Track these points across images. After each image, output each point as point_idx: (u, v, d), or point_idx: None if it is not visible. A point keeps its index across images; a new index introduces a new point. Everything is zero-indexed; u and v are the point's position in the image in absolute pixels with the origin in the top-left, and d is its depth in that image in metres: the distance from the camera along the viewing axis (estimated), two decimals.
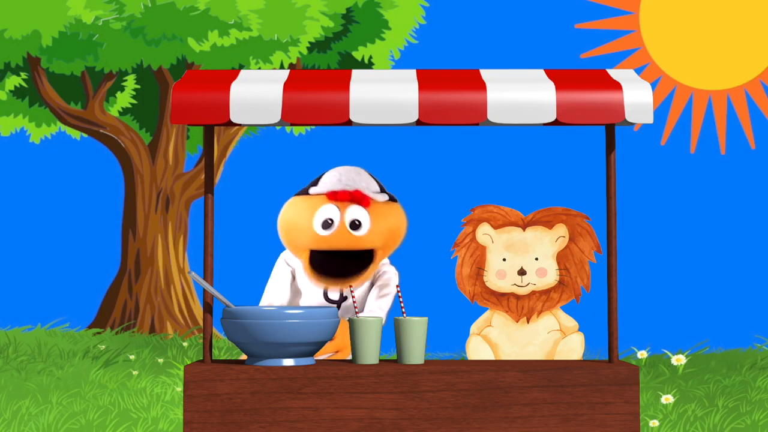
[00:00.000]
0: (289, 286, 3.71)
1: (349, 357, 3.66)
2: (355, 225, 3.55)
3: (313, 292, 3.72)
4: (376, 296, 3.71)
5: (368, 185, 3.62)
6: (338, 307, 3.72)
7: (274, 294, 3.70)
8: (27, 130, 11.62)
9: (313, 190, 3.56)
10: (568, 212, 3.51)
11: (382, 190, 3.70)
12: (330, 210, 3.53)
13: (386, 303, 3.69)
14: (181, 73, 10.86)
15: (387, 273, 3.74)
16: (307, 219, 3.53)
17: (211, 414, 3.10)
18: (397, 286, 3.61)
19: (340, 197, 3.55)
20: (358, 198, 3.56)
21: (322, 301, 3.70)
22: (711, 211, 10.64)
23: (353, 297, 3.45)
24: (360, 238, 3.57)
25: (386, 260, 3.74)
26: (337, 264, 3.56)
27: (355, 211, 3.56)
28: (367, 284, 3.73)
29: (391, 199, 3.69)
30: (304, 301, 3.72)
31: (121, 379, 7.41)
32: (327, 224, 3.52)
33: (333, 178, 3.58)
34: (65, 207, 11.28)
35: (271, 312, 3.16)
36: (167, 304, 11.00)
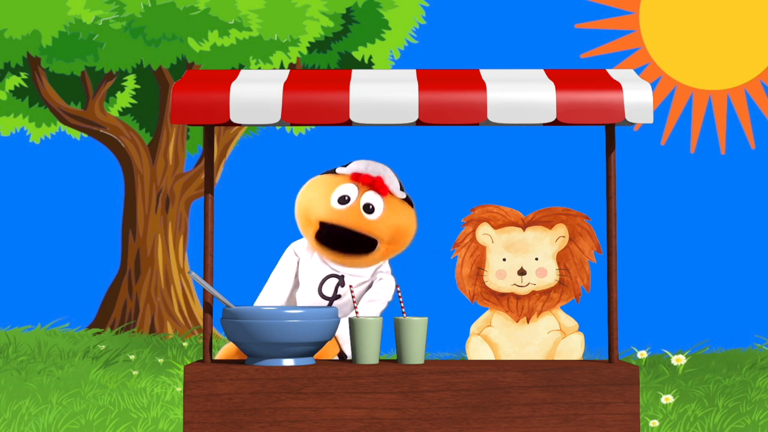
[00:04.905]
0: (293, 276, 3.75)
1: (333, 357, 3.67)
2: (369, 208, 3.62)
3: (309, 287, 3.72)
4: (367, 300, 3.73)
5: (391, 180, 3.66)
6: (330, 304, 3.73)
7: (277, 282, 3.74)
8: (27, 130, 11.62)
9: (339, 170, 3.64)
10: (568, 212, 3.51)
11: (402, 191, 3.73)
12: (349, 188, 3.64)
13: (372, 310, 3.70)
14: (181, 73, 10.85)
15: (383, 280, 3.76)
16: (325, 193, 3.65)
17: (211, 414, 3.10)
18: (397, 286, 3.61)
19: (363, 179, 3.66)
20: (378, 185, 3.65)
21: (317, 298, 3.71)
22: (711, 211, 10.63)
23: (353, 296, 3.45)
24: (370, 222, 3.63)
25: (388, 267, 3.75)
26: (343, 239, 3.65)
27: (371, 196, 3.64)
28: (365, 285, 3.73)
29: (408, 201, 3.71)
30: (300, 294, 3.73)
31: (121, 379, 7.41)
32: (343, 200, 3.60)
33: (360, 165, 3.68)
34: (65, 207, 11.27)
35: (271, 312, 3.16)
36: (167, 304, 11.00)
